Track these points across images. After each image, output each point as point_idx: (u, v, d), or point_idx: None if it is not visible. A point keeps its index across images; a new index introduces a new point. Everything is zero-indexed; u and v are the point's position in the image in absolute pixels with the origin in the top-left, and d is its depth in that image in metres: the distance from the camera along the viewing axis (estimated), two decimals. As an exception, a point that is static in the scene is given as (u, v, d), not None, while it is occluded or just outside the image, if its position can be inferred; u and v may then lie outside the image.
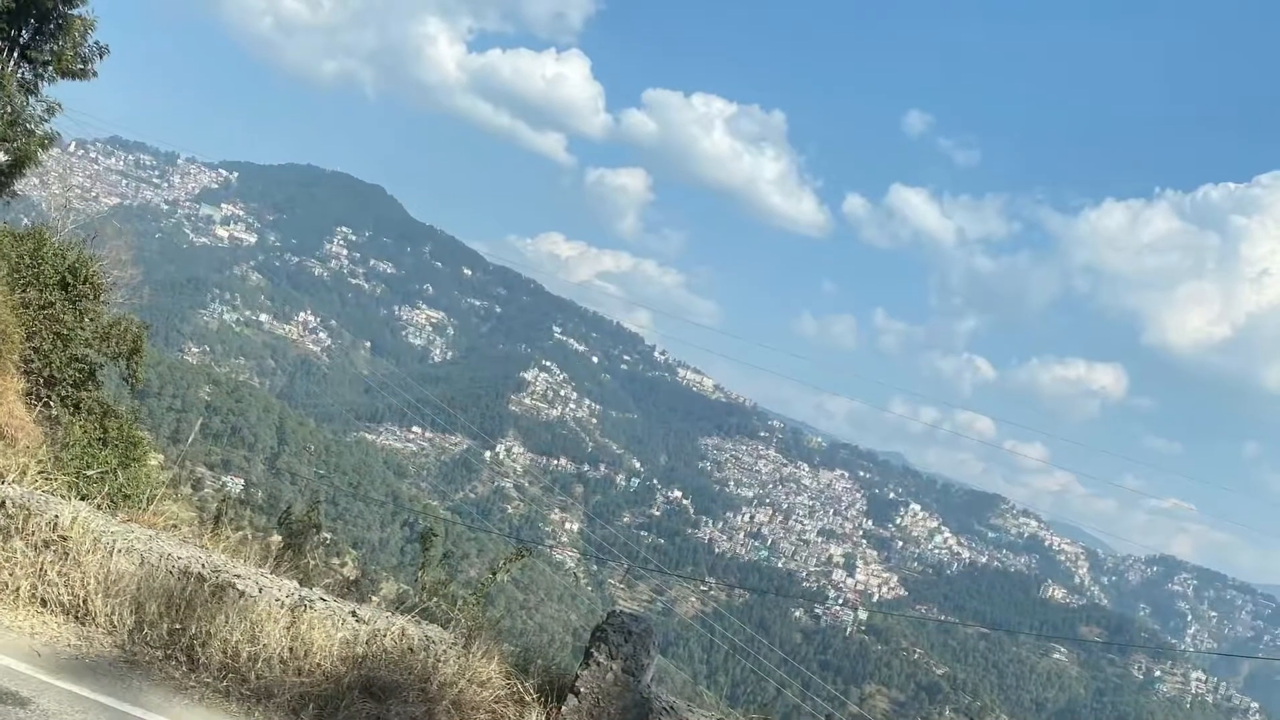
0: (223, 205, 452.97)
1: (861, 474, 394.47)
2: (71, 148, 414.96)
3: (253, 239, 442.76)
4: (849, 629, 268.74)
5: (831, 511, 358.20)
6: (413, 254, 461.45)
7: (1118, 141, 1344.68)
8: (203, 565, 12.51)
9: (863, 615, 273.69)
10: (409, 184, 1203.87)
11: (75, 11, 32.16)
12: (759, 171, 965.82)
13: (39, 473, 14.17)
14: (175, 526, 15.35)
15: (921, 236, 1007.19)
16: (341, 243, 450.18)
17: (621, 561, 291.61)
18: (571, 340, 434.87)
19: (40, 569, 12.19)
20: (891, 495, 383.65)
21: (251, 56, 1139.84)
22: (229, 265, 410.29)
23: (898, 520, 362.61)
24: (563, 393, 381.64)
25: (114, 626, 11.93)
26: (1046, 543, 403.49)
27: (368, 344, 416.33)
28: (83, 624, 11.94)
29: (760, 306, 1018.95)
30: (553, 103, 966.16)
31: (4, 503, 12.58)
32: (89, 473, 18.93)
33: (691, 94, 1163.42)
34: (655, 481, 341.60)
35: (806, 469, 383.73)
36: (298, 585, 12.85)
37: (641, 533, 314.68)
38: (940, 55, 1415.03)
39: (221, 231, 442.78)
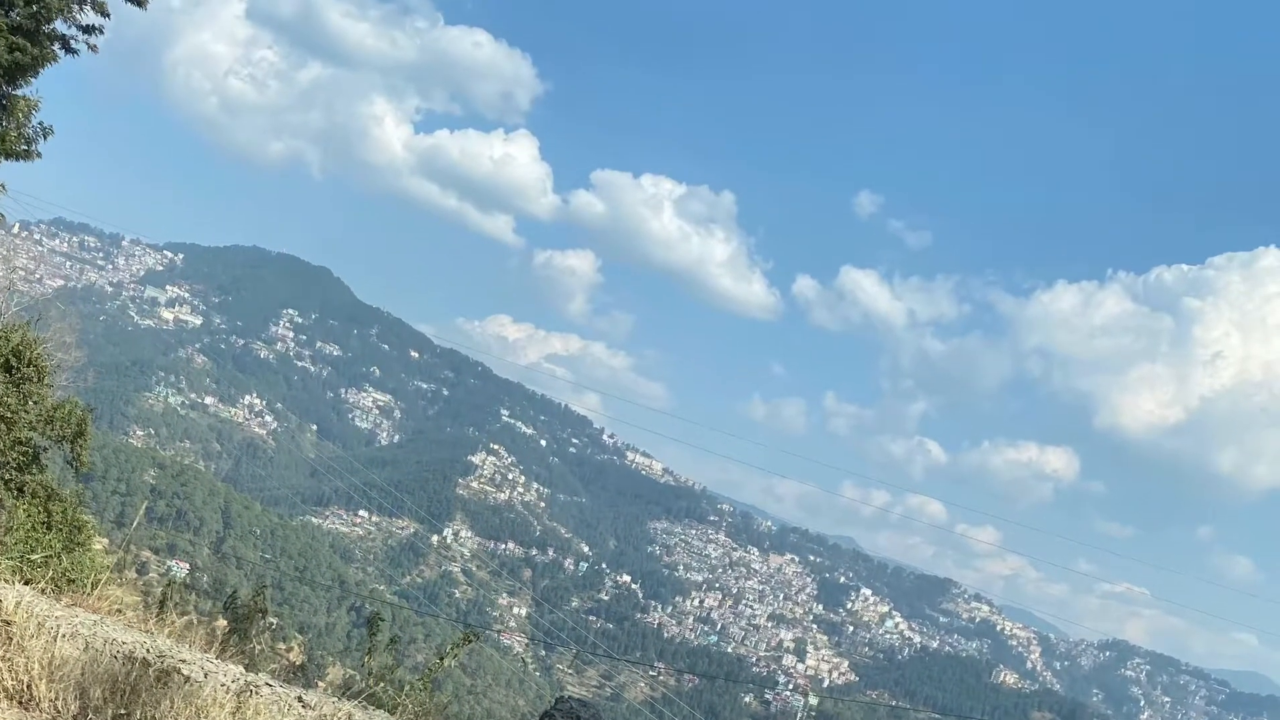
0: (168, 287, 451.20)
1: (812, 558, 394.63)
2: (15, 229, 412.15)
3: (198, 321, 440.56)
4: (799, 715, 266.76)
5: (782, 596, 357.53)
6: (359, 336, 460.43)
7: (1069, 223, 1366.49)
8: (147, 650, 12.41)
9: (813, 701, 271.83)
10: (356, 266, 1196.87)
11: (19, 92, 32.19)
12: (708, 253, 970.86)
13: (-18, 557, 14.05)
14: (120, 611, 15.23)
15: (872, 318, 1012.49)
16: (287, 325, 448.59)
17: (570, 646, 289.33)
18: (519, 423, 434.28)
19: (-17, 654, 12.05)
20: (842, 579, 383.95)
21: (197, 137, 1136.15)
22: (174, 348, 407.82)
23: (848, 605, 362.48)
24: (510, 476, 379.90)
25: (58, 712, 11.81)
26: (998, 627, 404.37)
27: (314, 427, 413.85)
28: (26, 709, 11.81)
29: (710, 389, 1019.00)
30: (500, 184, 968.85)
31: (-53, 587, 12.47)
32: (33, 557, 18.74)
33: (640, 175, 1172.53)
34: (604, 565, 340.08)
35: (756, 553, 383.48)
36: (243, 670, 12.77)
37: (590, 617, 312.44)
38: (891, 137, 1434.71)
39: (166, 314, 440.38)
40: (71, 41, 32.81)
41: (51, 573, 16.50)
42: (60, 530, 26.20)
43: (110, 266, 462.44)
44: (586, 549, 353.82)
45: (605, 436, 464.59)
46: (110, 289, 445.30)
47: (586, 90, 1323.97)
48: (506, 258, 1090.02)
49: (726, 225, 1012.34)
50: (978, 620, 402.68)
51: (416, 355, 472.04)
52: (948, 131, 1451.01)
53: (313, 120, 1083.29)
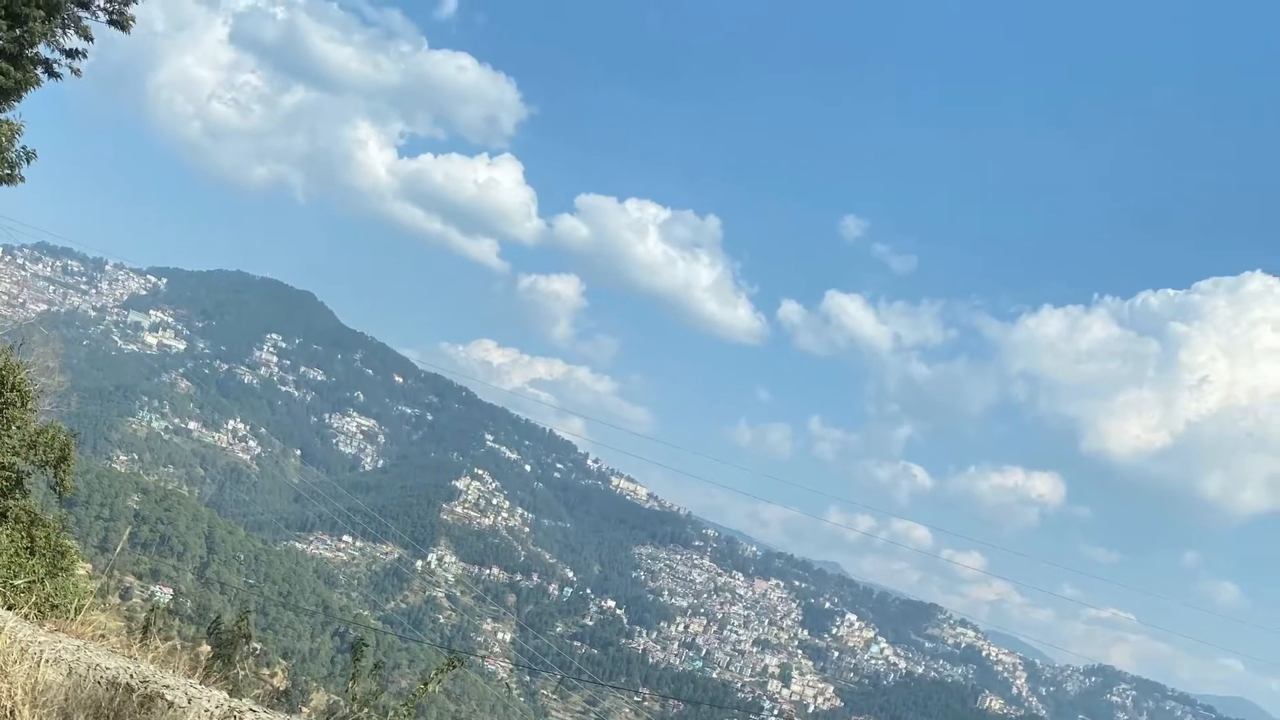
0: (151, 312, 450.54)
1: (797, 583, 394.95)
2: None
3: (181, 346, 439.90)
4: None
5: (767, 621, 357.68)
6: (343, 361, 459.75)
7: (1056, 246, 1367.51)
8: (131, 675, 12.35)
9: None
10: (340, 290, 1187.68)
11: (1, 116, 32.20)
12: (693, 278, 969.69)
13: (-35, 582, 13.99)
14: (103, 636, 15.17)
15: (858, 343, 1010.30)
16: (271, 349, 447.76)
17: (554, 672, 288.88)
18: (504, 448, 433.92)
19: (-35, 680, 11.98)
20: (827, 605, 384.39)
21: (180, 161, 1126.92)
22: (157, 372, 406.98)
23: (833, 630, 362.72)
24: (495, 501, 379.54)
25: (40, 738, 11.74)
26: (984, 652, 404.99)
27: (298, 452, 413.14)
28: (8, 736, 11.74)
29: (694, 414, 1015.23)
30: (485, 208, 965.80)
31: (-71, 612, 12.40)
32: (16, 582, 18.64)
33: (625, 199, 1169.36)
34: (588, 591, 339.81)
35: (741, 578, 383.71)
36: (227, 696, 12.72)
37: (574, 643, 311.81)
38: (876, 161, 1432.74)
39: (150, 338, 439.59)
40: (54, 65, 32.91)
41: (35, 598, 16.42)
42: (43, 556, 26.07)
43: (93, 291, 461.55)
44: (571, 574, 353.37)
45: (590, 461, 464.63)
46: (93, 314, 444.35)
47: (571, 114, 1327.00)
48: (491, 282, 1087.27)
49: (712, 250, 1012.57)
50: (963, 646, 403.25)
51: (400, 380, 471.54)
52: (933, 157, 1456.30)
53: (296, 144, 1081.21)
